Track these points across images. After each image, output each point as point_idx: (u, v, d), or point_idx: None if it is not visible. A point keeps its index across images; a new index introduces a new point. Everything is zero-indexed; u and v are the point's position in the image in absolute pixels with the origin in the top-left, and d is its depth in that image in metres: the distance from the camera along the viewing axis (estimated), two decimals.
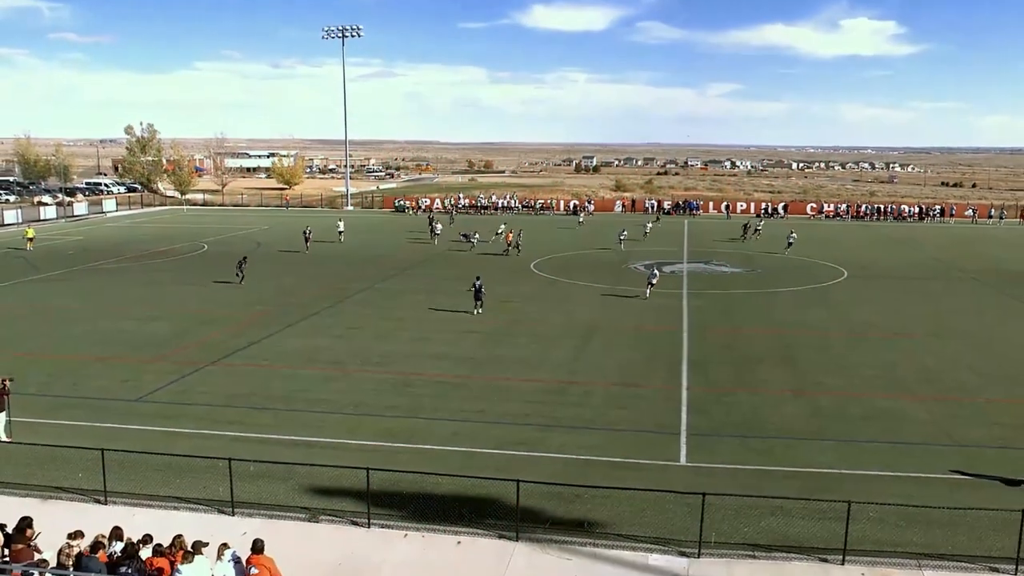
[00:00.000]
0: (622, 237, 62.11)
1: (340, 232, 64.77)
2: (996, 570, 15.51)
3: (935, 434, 22.86)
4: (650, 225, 70.83)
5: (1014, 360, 30.43)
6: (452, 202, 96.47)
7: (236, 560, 13.55)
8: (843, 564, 15.66)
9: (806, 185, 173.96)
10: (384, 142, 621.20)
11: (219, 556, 13.54)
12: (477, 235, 60.75)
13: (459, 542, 16.55)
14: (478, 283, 37.46)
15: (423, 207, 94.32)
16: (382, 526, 17.07)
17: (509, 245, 58.30)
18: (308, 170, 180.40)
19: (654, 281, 41.56)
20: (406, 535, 16.80)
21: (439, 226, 66.06)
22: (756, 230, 69.26)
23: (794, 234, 61.11)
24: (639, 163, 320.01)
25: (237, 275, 44.24)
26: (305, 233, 58.89)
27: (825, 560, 15.85)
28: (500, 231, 63.95)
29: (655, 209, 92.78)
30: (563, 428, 23.19)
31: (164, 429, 22.83)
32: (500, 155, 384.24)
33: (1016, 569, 15.33)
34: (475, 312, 36.59)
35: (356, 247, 61.44)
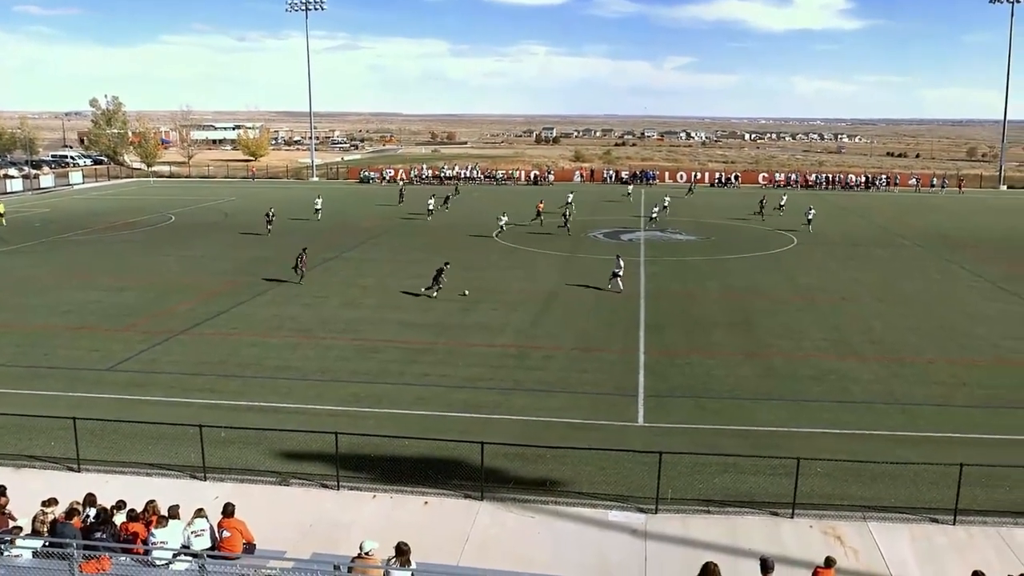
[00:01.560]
0: (665, 206, 62.03)
1: (317, 209, 60.77)
2: (936, 520, 16.33)
3: (879, 393, 23.83)
4: (668, 199, 64.54)
5: (953, 323, 31.66)
6: (454, 173, 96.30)
7: (208, 524, 13.86)
8: (793, 518, 16.40)
9: (758, 155, 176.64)
10: (348, 114, 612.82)
11: (192, 520, 13.85)
12: (505, 216, 55.24)
13: (426, 502, 17.03)
14: (445, 267, 35.98)
15: (391, 177, 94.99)
16: (351, 488, 17.50)
17: (539, 214, 58.07)
18: (273, 142, 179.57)
19: (619, 272, 36.51)
20: (375, 496, 17.25)
21: (431, 201, 62.17)
22: (779, 206, 64.65)
23: (812, 209, 57.53)
24: (597, 134, 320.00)
25: (297, 271, 37.81)
26: (268, 215, 53.74)
27: (776, 514, 16.58)
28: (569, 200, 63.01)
29: (687, 181, 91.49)
30: (525, 391, 23.78)
31: (135, 397, 23.01)
32: (462, 127, 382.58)
33: (955, 519, 16.18)
34: (433, 294, 35.19)
35: (323, 217, 61.27)
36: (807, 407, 22.75)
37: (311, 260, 39.29)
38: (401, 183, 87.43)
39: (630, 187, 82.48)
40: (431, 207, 61.79)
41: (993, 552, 15.15)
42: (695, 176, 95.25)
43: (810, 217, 56.55)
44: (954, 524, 16.19)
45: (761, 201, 64.19)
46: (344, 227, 56.42)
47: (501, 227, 52.98)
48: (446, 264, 36.24)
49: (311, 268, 38.97)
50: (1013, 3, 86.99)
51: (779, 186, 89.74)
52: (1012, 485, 17.51)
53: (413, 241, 50.88)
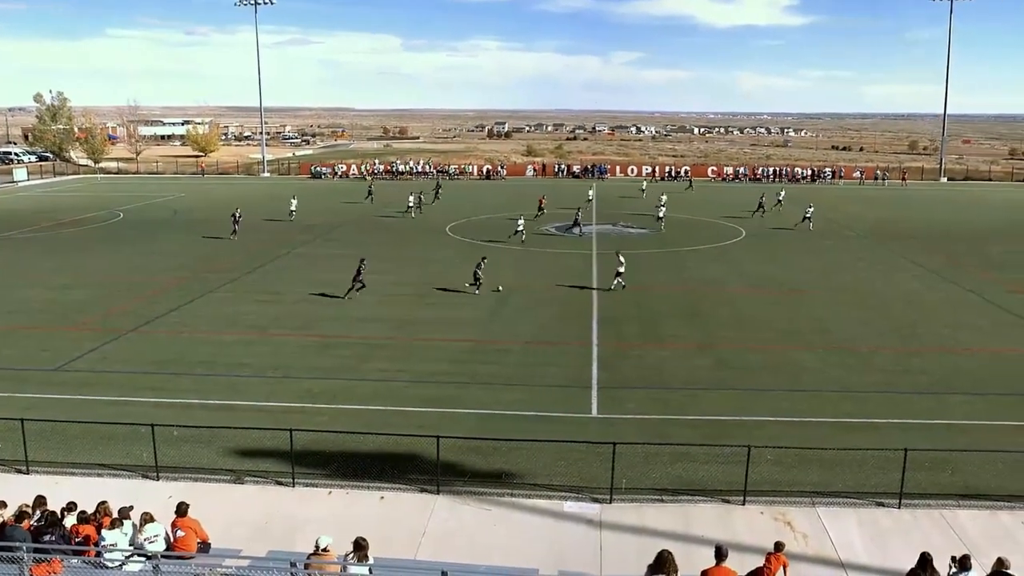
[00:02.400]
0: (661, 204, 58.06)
1: (292, 211, 57.27)
2: (882, 504, 16.77)
3: (827, 381, 24.38)
4: (664, 197, 60.54)
5: (896, 312, 32.45)
6: (407, 168, 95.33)
7: (161, 529, 13.70)
8: (744, 505, 16.73)
9: (707, 149, 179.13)
10: (300, 109, 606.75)
11: (142, 527, 13.68)
12: (580, 212, 53.57)
13: (382, 497, 17.02)
14: (482, 262, 35.62)
15: (343, 172, 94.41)
16: (306, 485, 17.42)
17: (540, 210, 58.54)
18: (223, 138, 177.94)
19: (622, 270, 35.72)
20: (330, 492, 17.20)
21: (412, 197, 60.64)
22: (778, 202, 62.58)
23: (811, 207, 55.37)
24: (549, 129, 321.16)
25: (354, 286, 34.18)
26: (235, 216, 49.40)
27: (727, 501, 16.90)
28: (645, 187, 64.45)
29: (687, 175, 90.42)
30: (481, 385, 23.87)
31: (85, 397, 22.62)
32: (414, 122, 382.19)
33: (900, 503, 16.64)
34: (476, 291, 34.72)
35: (275, 213, 60.74)
36: (758, 396, 23.15)
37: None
38: (369, 179, 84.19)
39: (644, 183, 79.18)
40: (411, 203, 60.25)
41: (937, 533, 15.61)
42: (683, 171, 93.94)
43: (808, 215, 54.48)
44: (899, 507, 16.63)
45: (761, 198, 61.78)
46: (299, 223, 55.68)
47: (519, 230, 48.34)
48: (483, 259, 36.23)
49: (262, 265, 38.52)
50: (952, 0, 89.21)
51: (774, 180, 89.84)
52: (954, 469, 18.04)
53: (371, 236, 50.51)
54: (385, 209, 62.52)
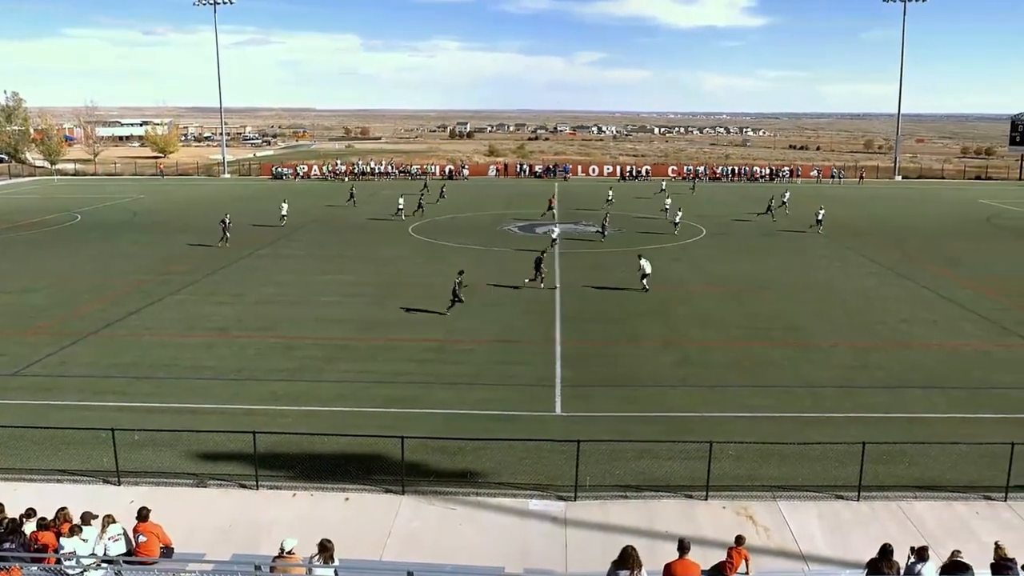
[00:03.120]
0: (666, 207, 59.66)
1: (284, 216, 54.41)
2: (841, 497, 17.05)
3: (788, 377, 24.74)
4: (669, 201, 60.96)
5: (855, 308, 32.99)
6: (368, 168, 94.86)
7: (122, 529, 13.54)
8: (707, 499, 16.91)
9: (667, 149, 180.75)
10: (260, 109, 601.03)
11: (105, 528, 13.51)
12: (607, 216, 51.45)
13: (347, 498, 16.96)
14: (543, 256, 37.12)
15: (305, 173, 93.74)
16: (271, 487, 17.29)
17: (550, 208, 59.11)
18: (183, 138, 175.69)
19: (647, 271, 35.69)
20: (295, 495, 17.09)
21: (402, 200, 59.24)
22: (783, 203, 61.62)
23: (823, 209, 54.86)
24: (511, 129, 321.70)
25: (453, 299, 31.32)
26: (224, 222, 46.84)
27: (690, 497, 17.07)
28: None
29: (691, 176, 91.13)
30: (445, 385, 23.85)
31: (44, 402, 22.24)
32: (376, 122, 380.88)
33: (859, 495, 16.93)
34: (540, 285, 35.77)
35: (236, 214, 59.91)
36: (720, 392, 23.42)
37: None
38: (350, 181, 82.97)
39: (664, 183, 77.63)
40: (401, 205, 58.63)
41: (895, 525, 15.92)
42: (690, 171, 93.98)
43: (820, 217, 53.76)
44: (858, 500, 16.92)
45: (770, 201, 60.69)
46: (260, 224, 55.15)
47: (554, 240, 46.66)
48: (543, 253, 36.99)
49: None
50: (906, 2, 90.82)
51: (782, 180, 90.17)
52: (911, 461, 18.40)
53: (329, 236, 50.20)
54: (361, 209, 62.06)
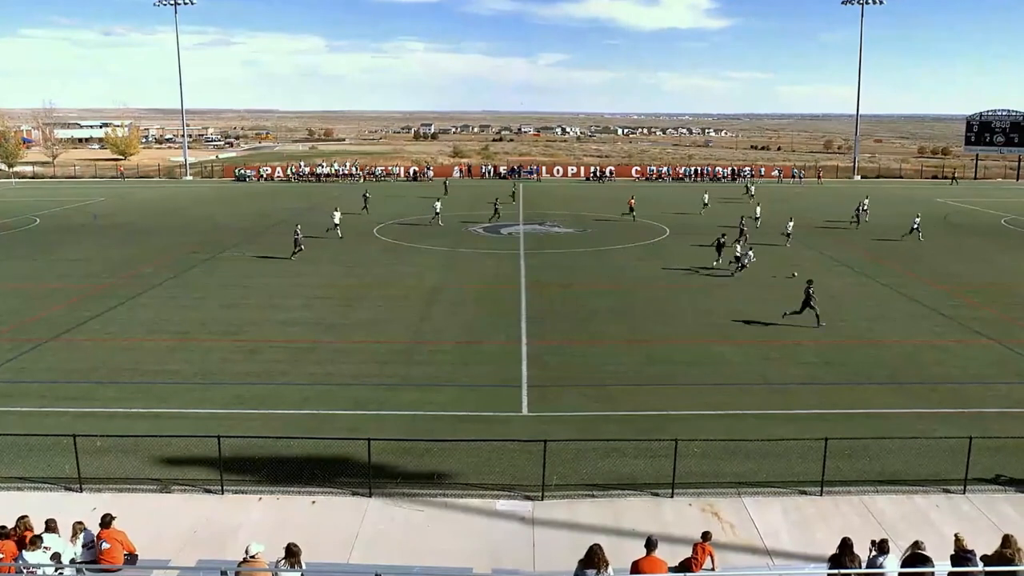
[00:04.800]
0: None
1: (336, 225, 50.14)
2: (805, 492, 17.27)
3: (751, 374, 24.99)
4: (759, 208, 58.02)
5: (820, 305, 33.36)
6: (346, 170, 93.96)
7: (88, 539, 13.36)
8: (672, 497, 17.04)
9: (631, 150, 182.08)
10: (223, 111, 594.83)
11: (74, 535, 13.34)
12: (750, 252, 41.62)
13: (314, 502, 16.85)
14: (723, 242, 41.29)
15: (268, 174, 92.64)
16: (236, 491, 17.13)
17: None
18: (144, 140, 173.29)
19: (746, 257, 39.47)
20: (261, 499, 16.94)
21: (438, 204, 56.39)
22: (863, 210, 58.09)
23: (918, 218, 51.71)
24: (475, 130, 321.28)
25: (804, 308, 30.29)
26: (296, 233, 43.96)
27: (656, 494, 17.19)
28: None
29: (748, 177, 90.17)
30: (412, 386, 23.80)
31: (2, 409, 21.85)
32: (340, 123, 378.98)
33: (822, 490, 17.17)
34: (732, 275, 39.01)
35: (198, 217, 59.51)
36: (685, 390, 23.60)
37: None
38: (365, 186, 76.31)
39: (750, 186, 76.60)
40: (438, 209, 56.03)
41: (857, 519, 16.17)
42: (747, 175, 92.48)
43: (916, 225, 51.00)
44: (821, 495, 17.15)
45: (857, 208, 58.56)
46: (220, 226, 54.52)
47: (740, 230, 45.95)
48: (723, 236, 40.64)
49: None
50: (863, 4, 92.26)
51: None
52: (872, 456, 18.71)
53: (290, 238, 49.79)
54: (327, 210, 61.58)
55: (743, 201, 69.53)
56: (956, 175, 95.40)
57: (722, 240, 41.21)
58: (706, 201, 64.45)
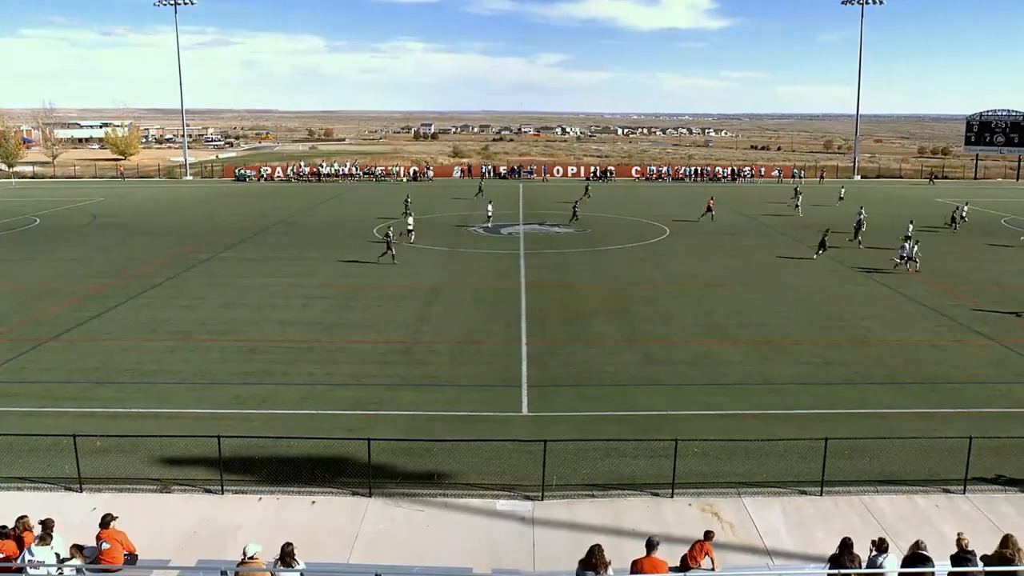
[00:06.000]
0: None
1: (411, 230, 48.64)
2: (805, 492, 17.26)
3: (750, 375, 24.97)
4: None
5: (816, 306, 33.42)
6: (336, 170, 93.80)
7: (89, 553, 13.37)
8: (672, 497, 17.04)
9: (631, 150, 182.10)
10: (223, 111, 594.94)
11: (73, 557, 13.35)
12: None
13: (314, 502, 16.84)
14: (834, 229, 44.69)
15: (301, 174, 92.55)
16: (236, 491, 17.12)
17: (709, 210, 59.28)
18: (144, 140, 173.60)
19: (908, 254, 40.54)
20: (260, 499, 16.94)
21: (490, 207, 57.17)
22: (962, 218, 56.47)
23: (963, 212, 53.98)
24: (475, 130, 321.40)
25: None
26: (387, 234, 43.06)
27: (656, 494, 17.19)
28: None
29: (797, 177, 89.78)
30: (411, 386, 23.80)
31: (2, 409, 21.85)
32: (340, 123, 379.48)
33: (822, 490, 17.17)
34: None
35: (198, 217, 59.45)
36: (684, 391, 23.60)
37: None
38: (407, 189, 75.84)
39: (798, 187, 73.52)
40: (490, 212, 56.75)
41: (857, 519, 16.17)
42: (797, 175, 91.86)
43: (961, 215, 55.24)
44: (821, 495, 17.15)
45: (954, 212, 57.23)
46: (219, 227, 54.50)
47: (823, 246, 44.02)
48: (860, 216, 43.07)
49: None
50: (863, 4, 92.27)
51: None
52: (872, 456, 18.70)
53: (286, 239, 49.84)
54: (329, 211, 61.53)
55: (826, 202, 69.41)
56: (935, 175, 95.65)
57: (826, 238, 43.63)
58: (842, 195, 69.08)
